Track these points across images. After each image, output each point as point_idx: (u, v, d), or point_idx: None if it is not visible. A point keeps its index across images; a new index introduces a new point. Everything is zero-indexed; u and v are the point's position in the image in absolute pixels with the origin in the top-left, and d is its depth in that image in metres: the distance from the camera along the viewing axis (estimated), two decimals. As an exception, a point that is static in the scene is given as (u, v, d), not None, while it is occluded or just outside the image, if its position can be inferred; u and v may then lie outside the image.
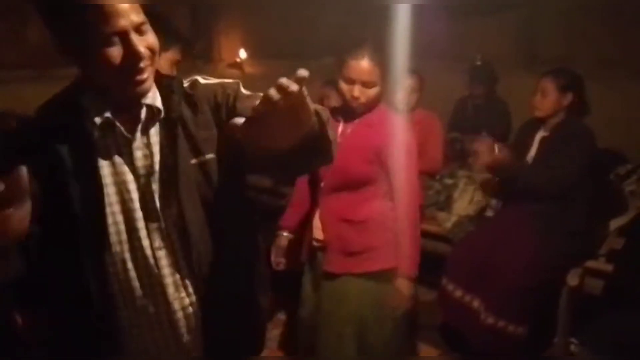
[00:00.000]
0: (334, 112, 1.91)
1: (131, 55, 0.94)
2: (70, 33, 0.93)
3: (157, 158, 1.04)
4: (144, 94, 1.02)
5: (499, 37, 3.95)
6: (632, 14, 3.22)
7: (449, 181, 2.90)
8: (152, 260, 1.05)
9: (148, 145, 1.04)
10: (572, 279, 2.34)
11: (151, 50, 0.98)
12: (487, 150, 2.30)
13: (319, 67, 4.19)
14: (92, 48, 0.93)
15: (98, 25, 0.91)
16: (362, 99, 1.80)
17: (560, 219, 2.34)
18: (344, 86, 1.81)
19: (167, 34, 1.69)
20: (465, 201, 2.79)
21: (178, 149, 1.05)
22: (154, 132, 1.05)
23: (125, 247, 1.03)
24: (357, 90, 1.79)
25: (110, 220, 1.01)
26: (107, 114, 1.00)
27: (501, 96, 3.60)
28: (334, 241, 1.90)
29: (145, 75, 0.99)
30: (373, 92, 1.80)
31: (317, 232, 1.95)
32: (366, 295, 1.89)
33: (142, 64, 0.97)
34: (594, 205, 2.42)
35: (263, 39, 4.21)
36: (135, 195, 1.03)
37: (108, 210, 1.01)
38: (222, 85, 1.14)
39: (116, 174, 1.02)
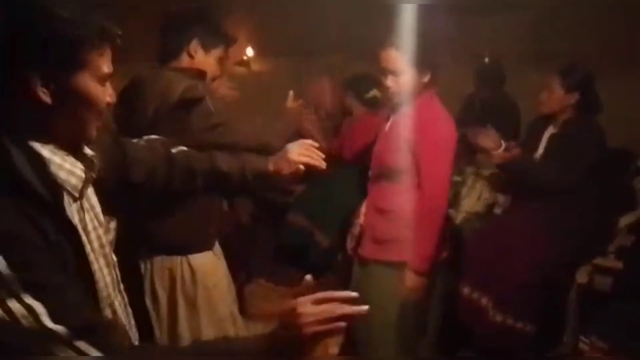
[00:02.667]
0: (383, 107, 1.97)
1: (111, 98, 0.94)
2: (64, 68, 0.85)
3: (97, 210, 1.00)
4: (94, 138, 0.97)
5: (507, 35, 3.92)
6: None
7: (456, 178, 2.89)
8: (111, 316, 1.03)
9: (87, 198, 0.99)
10: (581, 276, 2.33)
11: None
12: (492, 142, 2.33)
13: (327, 65, 4.19)
14: (86, 86, 0.87)
15: (102, 64, 0.89)
16: (395, 88, 1.84)
17: (569, 217, 2.33)
18: (382, 78, 1.89)
19: (216, 33, 1.79)
20: (473, 198, 2.79)
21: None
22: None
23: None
24: (389, 80, 1.84)
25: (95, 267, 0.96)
26: (81, 165, 0.93)
27: (510, 93, 3.58)
28: (368, 227, 2.00)
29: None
30: (404, 80, 1.82)
31: (362, 217, 2.06)
32: (392, 284, 1.91)
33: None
34: (603, 203, 2.40)
35: (270, 37, 4.21)
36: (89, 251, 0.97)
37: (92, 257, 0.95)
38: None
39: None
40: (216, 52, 1.81)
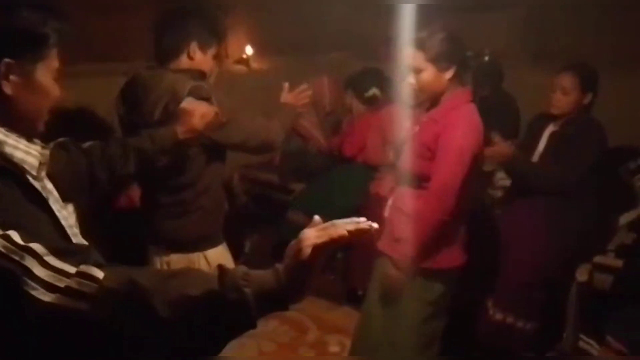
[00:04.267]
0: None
1: (59, 92, 1.00)
2: (28, 59, 0.93)
3: (57, 193, 1.03)
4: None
5: (505, 32, 3.92)
6: (640, 8, 3.19)
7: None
8: None
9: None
10: (581, 275, 2.33)
11: None
12: (503, 152, 2.35)
13: (327, 63, 4.18)
14: (45, 80, 0.95)
15: (56, 60, 0.97)
16: (416, 86, 1.84)
17: (569, 215, 2.33)
18: (408, 75, 1.88)
19: (212, 33, 1.82)
20: (473, 196, 2.78)
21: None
22: None
23: None
24: (411, 77, 1.85)
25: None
26: (38, 147, 0.99)
27: (509, 91, 3.57)
28: (389, 223, 1.98)
29: None
30: (423, 78, 1.82)
31: (387, 209, 2.05)
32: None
33: None
34: (603, 201, 2.40)
35: (269, 35, 4.20)
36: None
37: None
38: None
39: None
40: (212, 51, 1.83)
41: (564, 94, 2.34)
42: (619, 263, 2.32)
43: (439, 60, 1.80)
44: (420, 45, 1.80)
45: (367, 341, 2.06)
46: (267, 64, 4.34)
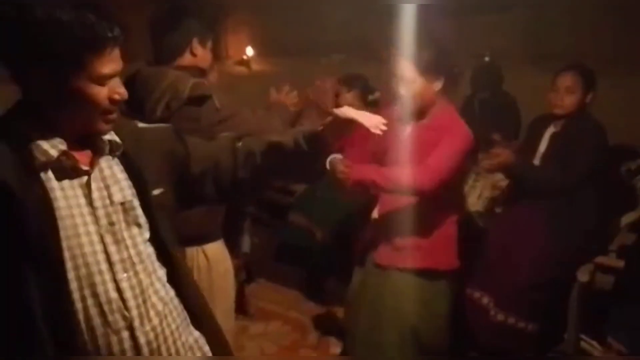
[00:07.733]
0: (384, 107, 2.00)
1: (119, 96, 1.01)
2: (59, 69, 0.94)
3: (114, 190, 1.05)
4: (109, 130, 1.05)
5: (506, 34, 3.93)
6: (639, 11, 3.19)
7: (457, 177, 2.89)
8: (115, 294, 1.03)
9: (103, 178, 1.05)
10: (583, 275, 2.32)
11: None
12: (503, 160, 2.34)
13: (328, 64, 4.19)
14: (81, 87, 0.96)
15: (99, 65, 0.96)
16: (404, 94, 1.84)
17: (570, 215, 2.33)
18: (393, 84, 1.87)
19: (209, 27, 1.86)
20: (474, 197, 2.78)
21: (140, 182, 1.09)
22: (106, 165, 1.06)
23: (85, 282, 1.00)
24: (402, 88, 1.84)
25: (67, 254, 0.98)
26: (62, 146, 1.00)
27: (509, 92, 3.58)
28: (384, 234, 1.94)
29: (115, 115, 1.05)
30: (413, 86, 1.81)
31: (375, 222, 2.00)
32: (412, 290, 1.89)
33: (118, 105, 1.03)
34: (604, 201, 2.40)
35: (270, 37, 4.22)
36: (92, 228, 1.02)
37: (64, 244, 0.98)
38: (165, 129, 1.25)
39: (70, 206, 1.00)
40: (210, 44, 1.86)
41: (569, 93, 2.33)
42: (620, 263, 2.32)
43: (428, 72, 1.79)
44: (410, 56, 1.79)
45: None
46: (268, 66, 4.35)
